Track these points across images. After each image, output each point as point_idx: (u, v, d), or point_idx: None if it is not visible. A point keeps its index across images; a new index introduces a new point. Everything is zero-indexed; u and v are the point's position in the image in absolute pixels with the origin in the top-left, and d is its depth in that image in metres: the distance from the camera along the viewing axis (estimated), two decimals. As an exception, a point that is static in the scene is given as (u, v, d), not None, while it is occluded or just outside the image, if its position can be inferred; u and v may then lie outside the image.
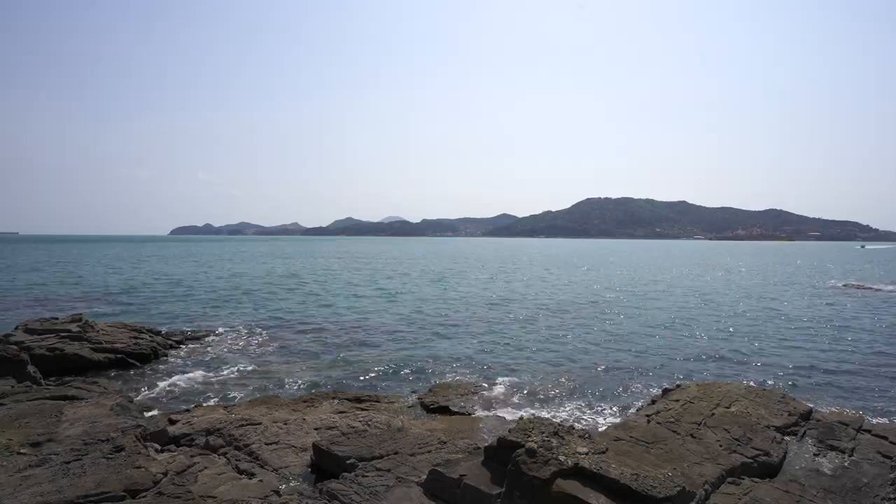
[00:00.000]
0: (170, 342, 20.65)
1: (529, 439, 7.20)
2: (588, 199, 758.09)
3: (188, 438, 10.03)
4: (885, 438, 8.79)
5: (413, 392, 15.37)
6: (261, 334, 23.50)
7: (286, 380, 16.46)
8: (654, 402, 10.61)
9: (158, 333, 21.25)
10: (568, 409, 14.07)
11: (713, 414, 9.15)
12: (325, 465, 8.81)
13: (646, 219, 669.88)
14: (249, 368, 17.63)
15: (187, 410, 12.47)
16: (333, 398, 13.57)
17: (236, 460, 9.02)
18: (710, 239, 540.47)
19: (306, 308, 32.39)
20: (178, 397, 14.58)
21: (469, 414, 13.13)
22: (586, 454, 6.92)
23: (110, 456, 8.21)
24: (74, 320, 19.69)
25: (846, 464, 7.92)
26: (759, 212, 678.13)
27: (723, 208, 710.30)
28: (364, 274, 62.82)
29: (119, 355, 17.56)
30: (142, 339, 19.34)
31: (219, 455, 9.23)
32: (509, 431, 7.72)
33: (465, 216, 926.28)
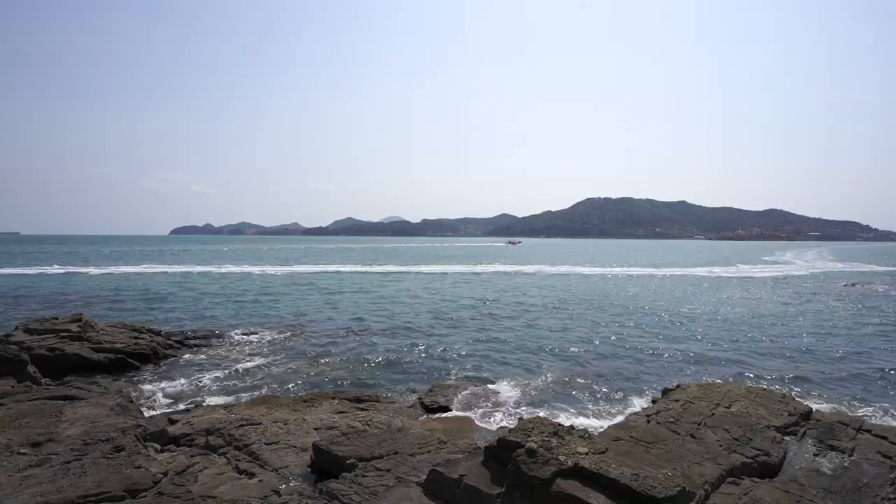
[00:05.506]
0: (170, 342, 20.65)
1: (529, 439, 7.20)
2: (588, 199, 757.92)
3: (188, 438, 10.03)
4: (885, 438, 8.78)
5: (413, 392, 15.37)
6: (260, 335, 23.49)
7: (286, 380, 16.46)
8: (654, 402, 10.61)
9: (158, 333, 21.25)
10: (568, 409, 14.07)
11: (713, 414, 9.14)
12: (325, 465, 8.81)
13: (646, 219, 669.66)
14: (249, 368, 17.63)
15: (187, 410, 12.48)
16: (333, 398, 13.57)
17: (236, 460, 9.02)
18: (710, 239, 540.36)
19: (306, 309, 32.39)
20: (178, 397, 14.59)
21: (469, 414, 13.14)
22: (586, 454, 6.92)
23: (110, 456, 8.21)
24: (74, 320, 19.67)
25: (846, 464, 7.92)
26: (759, 212, 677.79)
27: (723, 208, 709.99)
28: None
29: (119, 355, 17.56)
30: (142, 339, 19.34)
31: (219, 455, 9.23)
32: (509, 431, 7.72)
33: (465, 216, 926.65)
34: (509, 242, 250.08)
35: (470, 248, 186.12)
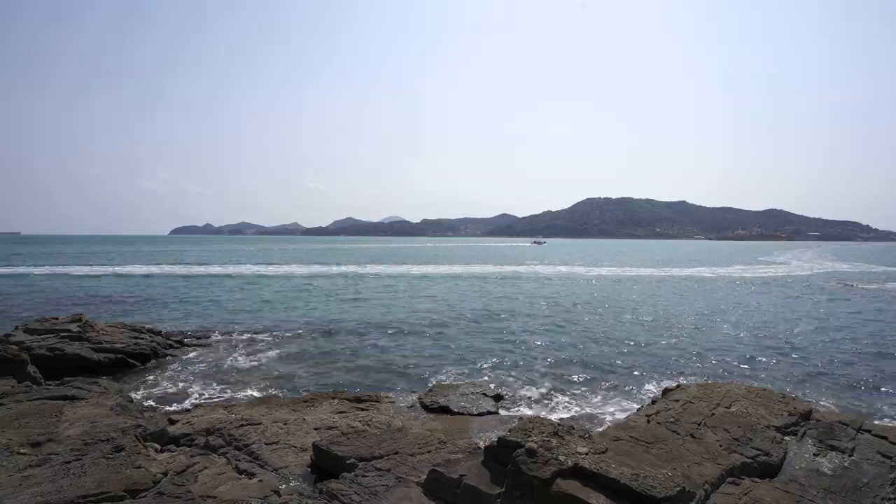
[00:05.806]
0: (170, 342, 20.65)
1: (529, 439, 7.20)
2: (588, 199, 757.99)
3: (188, 438, 10.03)
4: (885, 438, 8.78)
5: (413, 392, 15.37)
6: (261, 335, 23.48)
7: (286, 380, 16.46)
8: (654, 402, 10.60)
9: (158, 333, 21.25)
10: (568, 409, 14.07)
11: (713, 414, 9.14)
12: (325, 465, 8.81)
13: (646, 219, 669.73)
14: (249, 369, 17.63)
15: (187, 410, 12.49)
16: (333, 398, 13.57)
17: (236, 460, 9.02)
18: (710, 239, 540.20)
19: (306, 309, 32.39)
20: (178, 397, 14.58)
21: (469, 414, 13.14)
22: (586, 454, 6.92)
23: (110, 456, 8.21)
24: (74, 320, 19.68)
25: (846, 464, 7.92)
26: (759, 212, 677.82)
27: (723, 208, 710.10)
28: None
29: (119, 355, 17.56)
30: (142, 339, 19.34)
31: (219, 455, 9.24)
32: (509, 431, 7.72)
33: (466, 216, 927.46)
34: (534, 242, 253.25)
35: (496, 248, 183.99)
